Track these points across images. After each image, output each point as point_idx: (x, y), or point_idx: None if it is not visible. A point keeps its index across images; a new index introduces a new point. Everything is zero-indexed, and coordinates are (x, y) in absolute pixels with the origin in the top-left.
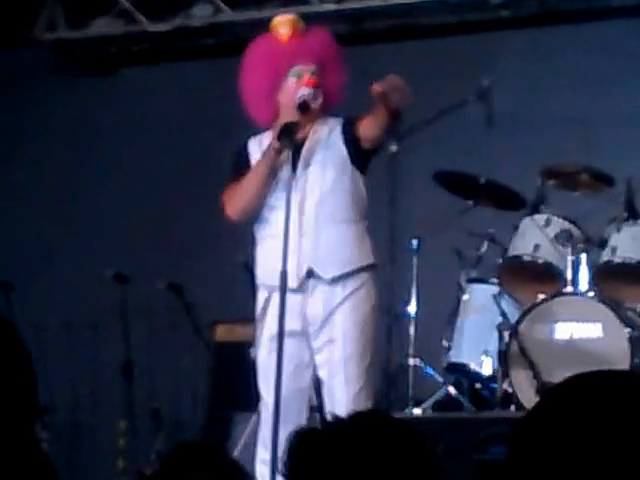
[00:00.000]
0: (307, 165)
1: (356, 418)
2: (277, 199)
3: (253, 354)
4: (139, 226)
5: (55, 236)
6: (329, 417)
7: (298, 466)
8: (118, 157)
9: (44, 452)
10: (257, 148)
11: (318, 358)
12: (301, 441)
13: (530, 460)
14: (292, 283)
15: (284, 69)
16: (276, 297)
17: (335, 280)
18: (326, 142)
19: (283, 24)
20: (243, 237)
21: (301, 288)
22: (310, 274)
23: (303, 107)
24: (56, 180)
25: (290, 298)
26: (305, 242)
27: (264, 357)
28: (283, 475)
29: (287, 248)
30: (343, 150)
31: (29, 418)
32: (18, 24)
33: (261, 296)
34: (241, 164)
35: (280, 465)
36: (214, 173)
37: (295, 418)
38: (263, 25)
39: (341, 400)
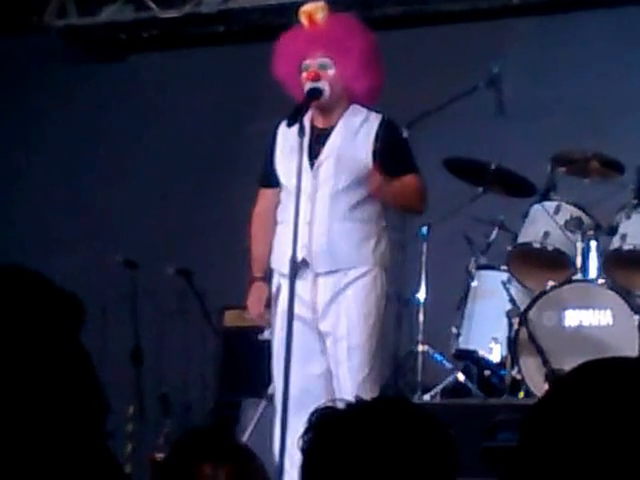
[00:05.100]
0: (329, 155)
1: (378, 401)
2: (294, 186)
3: (265, 337)
4: (149, 212)
5: (65, 222)
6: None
7: (317, 444)
8: (128, 143)
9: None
10: (287, 131)
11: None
12: (322, 419)
13: (541, 447)
14: (285, 269)
15: (297, 63)
16: (285, 284)
17: (323, 274)
18: (355, 133)
19: (304, 13)
20: None
21: (295, 275)
22: (303, 264)
23: (310, 94)
24: (66, 165)
25: (287, 283)
26: (309, 232)
27: (275, 342)
28: (301, 451)
29: (297, 236)
30: (370, 146)
31: (98, 419)
32: (29, 10)
33: (274, 280)
34: (267, 153)
35: (300, 441)
36: (224, 159)
37: (313, 405)
38: (273, 12)
39: (347, 389)
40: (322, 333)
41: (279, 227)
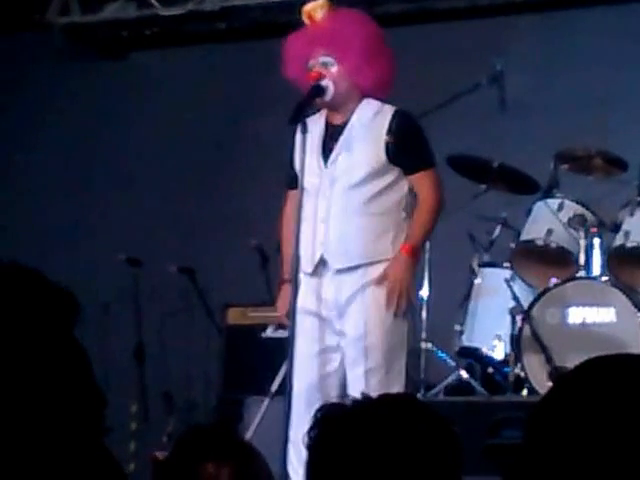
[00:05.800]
0: (342, 150)
1: (383, 398)
2: (310, 183)
3: (268, 334)
4: (151, 209)
5: (68, 220)
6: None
7: (322, 440)
8: (129, 141)
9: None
10: (300, 135)
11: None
12: (327, 416)
13: (545, 445)
14: (307, 268)
15: (303, 65)
16: (302, 279)
17: (343, 271)
18: (368, 126)
19: (305, 13)
20: (256, 221)
21: (316, 273)
22: (323, 262)
23: (311, 93)
24: (68, 163)
25: (309, 281)
26: (325, 229)
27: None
28: (306, 447)
29: (299, 233)
30: (383, 137)
31: (95, 414)
32: (31, 8)
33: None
34: (289, 154)
35: (305, 438)
36: (226, 157)
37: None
38: (274, 9)
39: (362, 389)
40: (339, 331)
41: (301, 224)
